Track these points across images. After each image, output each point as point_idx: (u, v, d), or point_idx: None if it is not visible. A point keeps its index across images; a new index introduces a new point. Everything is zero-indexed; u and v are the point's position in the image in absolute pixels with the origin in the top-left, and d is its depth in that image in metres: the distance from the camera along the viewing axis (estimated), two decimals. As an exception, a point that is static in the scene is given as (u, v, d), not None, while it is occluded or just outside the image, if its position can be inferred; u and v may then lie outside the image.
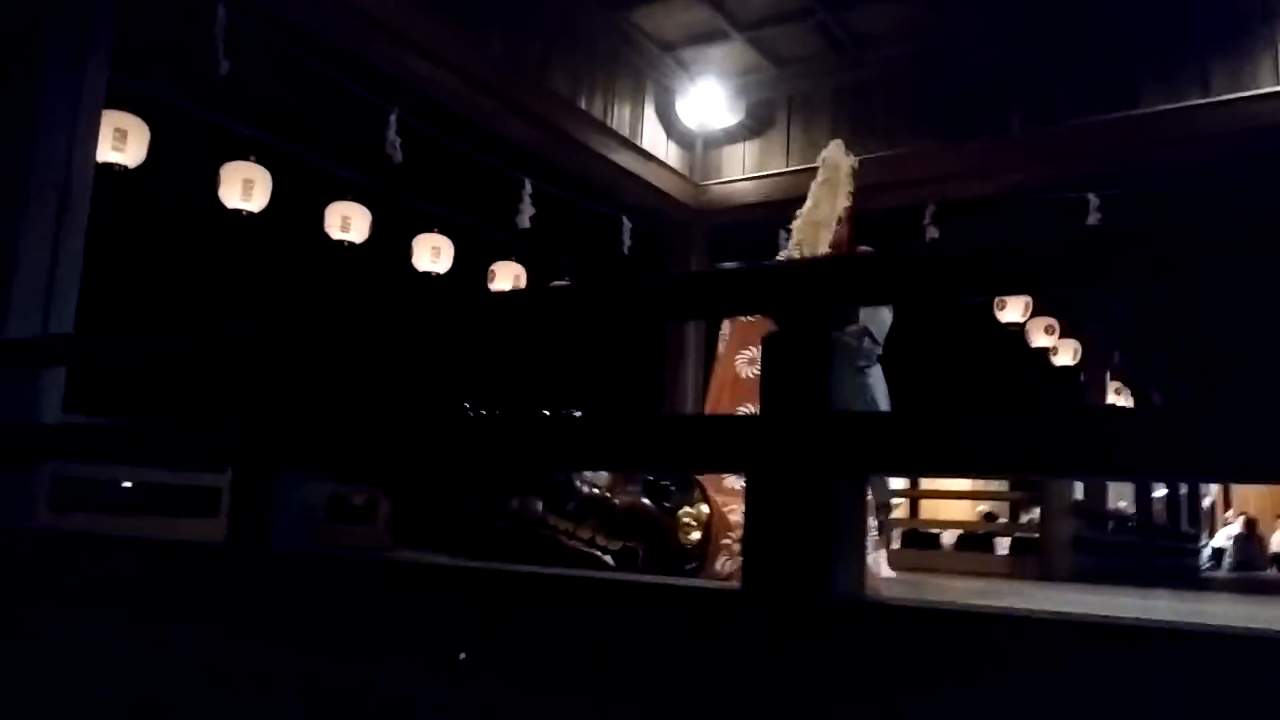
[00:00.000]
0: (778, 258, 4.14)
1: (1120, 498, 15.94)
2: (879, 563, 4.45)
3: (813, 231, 4.25)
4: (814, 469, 1.36)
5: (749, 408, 3.55)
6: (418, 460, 1.91)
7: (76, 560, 2.39)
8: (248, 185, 5.98)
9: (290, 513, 1.83)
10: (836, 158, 4.45)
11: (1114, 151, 6.38)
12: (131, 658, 2.12)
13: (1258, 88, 5.86)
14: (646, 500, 2.48)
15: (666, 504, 2.50)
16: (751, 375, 3.67)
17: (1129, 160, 6.46)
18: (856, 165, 4.50)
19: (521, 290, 7.50)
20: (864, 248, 4.44)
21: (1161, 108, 6.10)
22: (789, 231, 4.44)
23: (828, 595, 1.31)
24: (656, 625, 1.41)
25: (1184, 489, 16.16)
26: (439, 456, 1.85)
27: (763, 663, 1.30)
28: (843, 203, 4.32)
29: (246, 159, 5.99)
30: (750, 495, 1.46)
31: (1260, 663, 1.16)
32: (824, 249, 4.18)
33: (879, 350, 4.26)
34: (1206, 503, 19.90)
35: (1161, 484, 15.19)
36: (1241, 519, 18.01)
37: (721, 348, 3.98)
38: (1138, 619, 1.33)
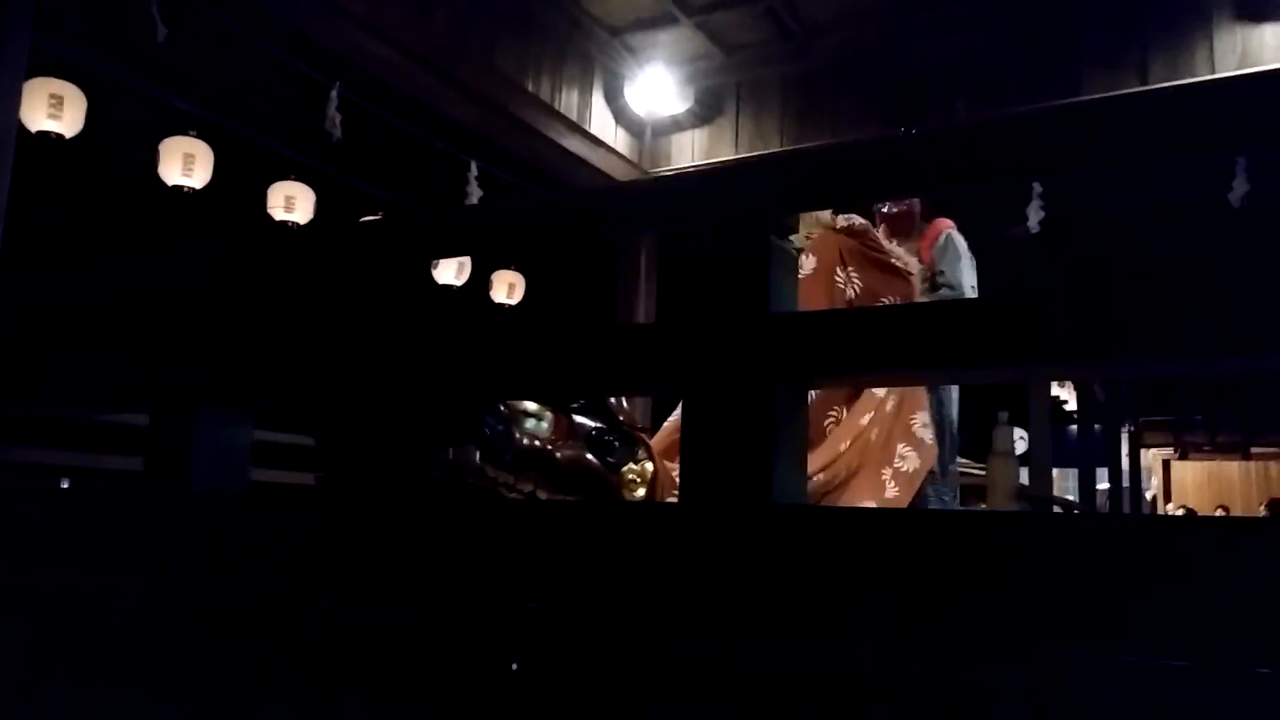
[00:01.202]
0: (837, 220, 3.88)
1: (1064, 491, 16.24)
2: None
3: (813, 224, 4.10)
4: (751, 375, 1.34)
5: None
6: (346, 391, 1.86)
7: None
8: (188, 160, 5.84)
9: (210, 451, 1.76)
10: None
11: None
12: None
13: (1193, 76, 5.99)
14: (590, 455, 2.44)
15: (610, 459, 2.47)
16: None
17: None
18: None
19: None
20: (941, 221, 4.31)
21: (1101, 95, 6.21)
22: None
23: (767, 503, 1.29)
24: (602, 544, 1.38)
25: (1127, 481, 16.49)
26: (363, 383, 1.79)
27: (704, 572, 1.28)
28: None
29: (187, 134, 5.85)
30: (685, 405, 1.43)
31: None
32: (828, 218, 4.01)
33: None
34: (1149, 495, 20.37)
35: (1104, 477, 15.50)
36: (1182, 510, 18.50)
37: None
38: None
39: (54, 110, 4.94)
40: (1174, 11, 6.09)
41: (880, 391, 3.38)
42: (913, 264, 3.79)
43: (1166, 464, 19.93)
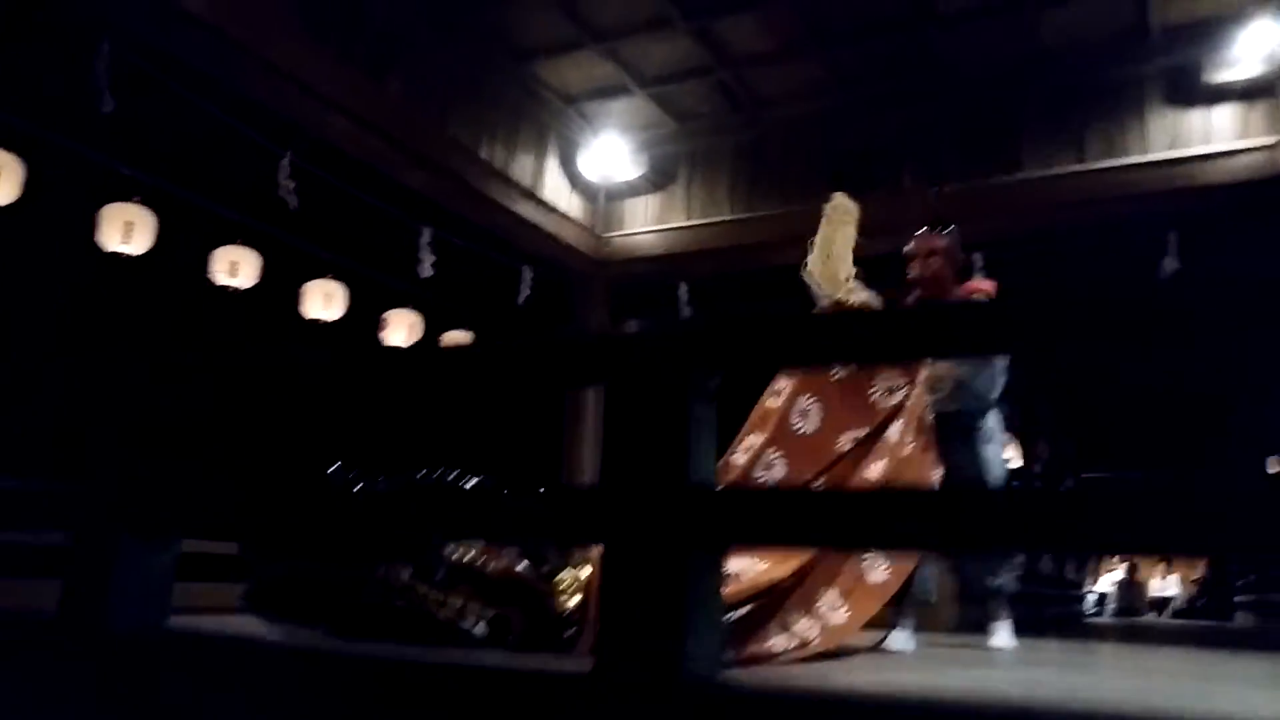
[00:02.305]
0: (837, 296, 3.91)
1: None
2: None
3: (838, 266, 4.09)
4: (667, 542, 1.33)
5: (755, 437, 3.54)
6: (276, 527, 1.81)
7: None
8: (128, 228, 5.74)
9: (132, 583, 1.69)
10: (842, 203, 4.29)
11: (997, 213, 6.64)
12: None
13: (1127, 156, 6.20)
14: (522, 564, 2.40)
15: (544, 567, 2.43)
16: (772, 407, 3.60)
17: (1012, 223, 6.73)
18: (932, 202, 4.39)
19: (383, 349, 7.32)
20: (975, 284, 4.37)
21: (1040, 174, 6.40)
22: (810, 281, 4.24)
23: (680, 678, 1.26)
24: (506, 712, 1.34)
25: (1070, 537, 16.69)
26: (297, 525, 1.75)
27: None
28: (852, 234, 4.19)
29: (130, 200, 5.76)
30: (605, 569, 1.41)
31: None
32: (846, 278, 4.02)
33: (983, 404, 4.01)
34: (1091, 550, 20.62)
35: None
36: (1124, 565, 18.74)
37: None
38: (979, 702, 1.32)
39: (-12, 181, 4.86)
40: (1109, 93, 6.32)
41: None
42: None
43: (1109, 518, 20.25)
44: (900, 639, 3.81)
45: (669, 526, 1.30)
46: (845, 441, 3.48)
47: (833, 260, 4.10)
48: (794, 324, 1.56)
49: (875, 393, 3.58)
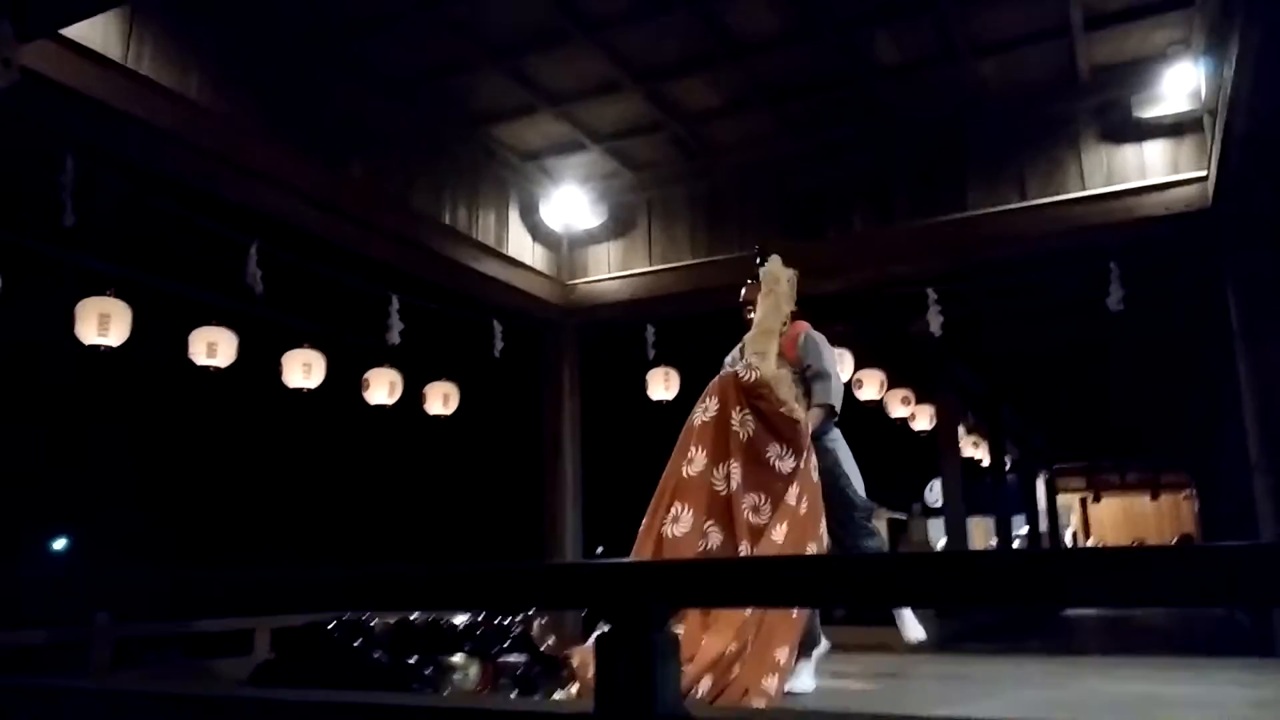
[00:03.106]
0: (738, 369, 4.36)
1: (990, 536, 16.76)
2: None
3: (765, 340, 4.56)
4: None
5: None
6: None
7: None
8: (104, 320, 5.87)
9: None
10: (776, 270, 4.77)
11: (947, 250, 6.89)
12: None
13: (1067, 192, 6.46)
14: (514, 695, 2.61)
15: (537, 696, 2.64)
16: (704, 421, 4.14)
17: (961, 258, 6.99)
18: (795, 276, 4.84)
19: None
20: (798, 324, 4.82)
21: (985, 210, 6.64)
22: (741, 347, 4.76)
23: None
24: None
25: (1045, 524, 17.06)
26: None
27: None
28: (787, 310, 4.66)
29: (104, 294, 5.89)
30: None
31: None
32: (775, 353, 4.48)
33: (837, 417, 4.64)
34: (1068, 533, 21.09)
35: (1024, 523, 16.05)
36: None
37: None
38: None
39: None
40: (1046, 133, 6.57)
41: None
42: (798, 410, 4.20)
43: (1084, 501, 20.71)
44: (803, 681, 4.17)
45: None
46: (748, 506, 3.93)
47: (770, 334, 4.46)
48: (740, 566, 1.76)
49: (771, 457, 4.03)
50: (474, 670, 2.55)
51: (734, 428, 4.13)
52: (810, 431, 4.23)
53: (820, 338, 4.89)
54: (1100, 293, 6.60)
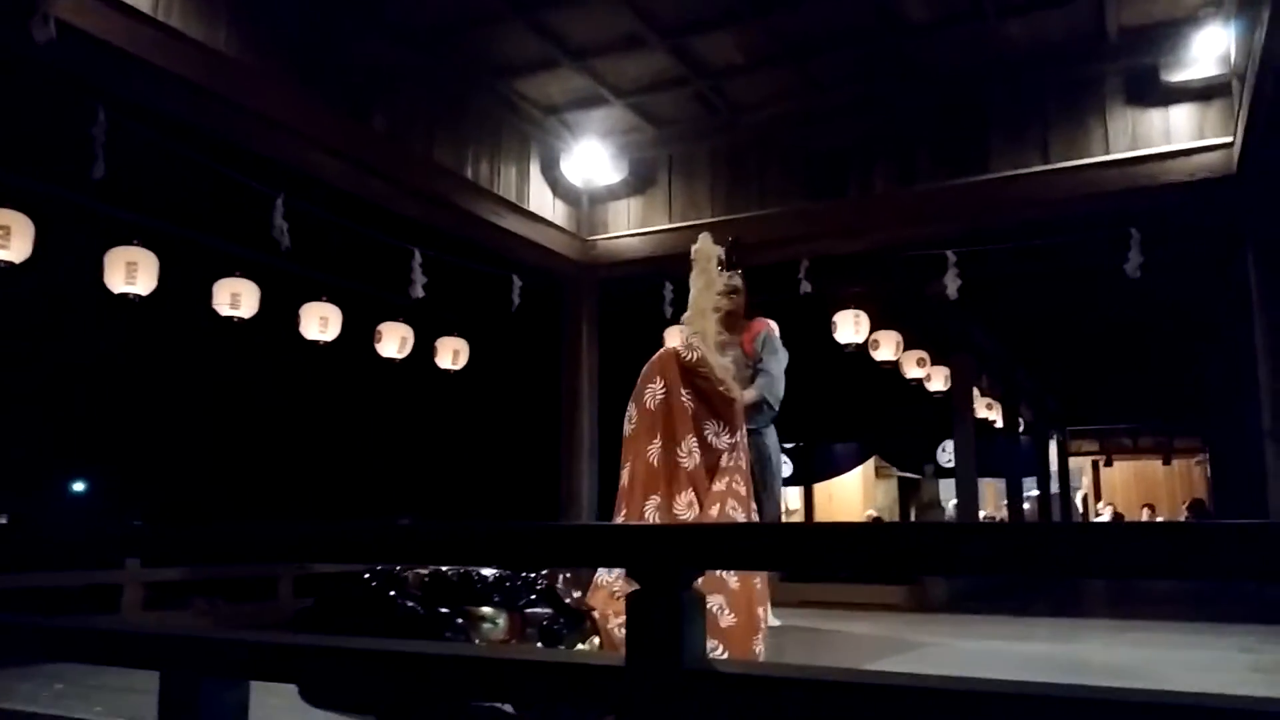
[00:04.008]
0: (678, 347, 4.41)
1: (1000, 498, 16.82)
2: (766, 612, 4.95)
3: (700, 320, 4.59)
4: (669, 717, 1.62)
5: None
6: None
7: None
8: (131, 269, 5.95)
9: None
10: (705, 248, 4.76)
11: (968, 212, 6.89)
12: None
13: (1091, 156, 6.42)
14: (540, 646, 2.70)
15: (561, 646, 2.74)
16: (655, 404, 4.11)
17: (981, 220, 6.98)
18: (724, 252, 4.85)
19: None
20: (761, 320, 4.94)
21: (1008, 173, 6.62)
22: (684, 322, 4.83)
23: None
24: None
25: (1055, 487, 17.10)
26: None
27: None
28: (719, 288, 4.67)
29: (131, 243, 5.97)
30: None
31: None
32: (714, 332, 4.52)
33: (774, 413, 4.73)
34: (1079, 495, 21.15)
35: (1034, 485, 16.10)
36: (1110, 510, 19.24)
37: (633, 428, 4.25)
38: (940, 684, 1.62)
39: (1, 241, 5.07)
40: (1071, 95, 6.52)
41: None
42: (735, 389, 4.28)
43: (1096, 465, 20.76)
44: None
45: (670, 707, 1.61)
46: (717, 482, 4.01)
47: (704, 312, 4.47)
48: (762, 531, 1.83)
49: (708, 433, 4.09)
50: (503, 621, 2.64)
51: (685, 402, 4.22)
52: (741, 420, 4.32)
53: (777, 337, 4.97)
54: (1119, 258, 6.61)
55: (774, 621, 4.56)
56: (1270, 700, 1.36)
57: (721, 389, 4.20)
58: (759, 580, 3.86)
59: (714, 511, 3.96)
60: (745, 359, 4.73)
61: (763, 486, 4.60)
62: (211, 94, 5.07)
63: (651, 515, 4.00)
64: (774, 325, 4.96)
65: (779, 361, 4.78)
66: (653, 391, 4.24)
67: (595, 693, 1.76)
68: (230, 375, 8.60)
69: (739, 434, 4.15)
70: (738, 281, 4.79)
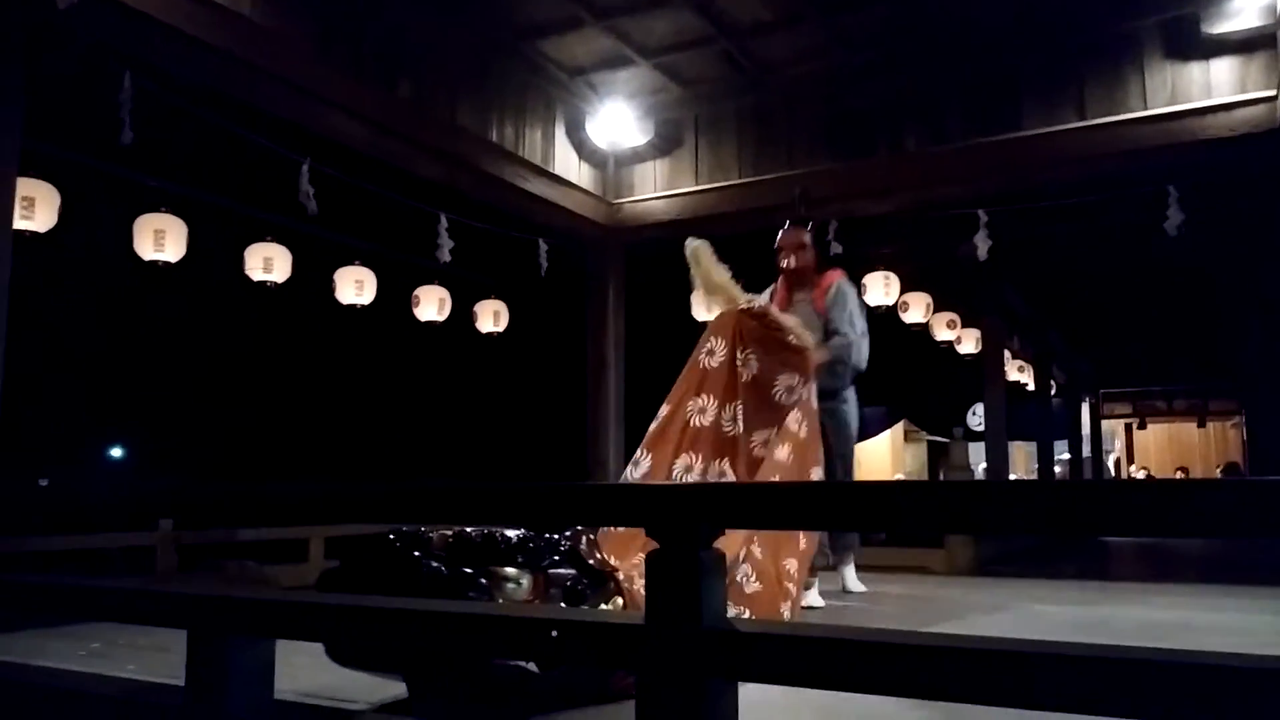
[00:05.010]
0: (740, 303, 4.36)
1: (1031, 461, 16.68)
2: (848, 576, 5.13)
3: (723, 295, 4.52)
4: (689, 675, 1.63)
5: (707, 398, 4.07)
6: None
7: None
8: (159, 236, 6.00)
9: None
10: (691, 253, 4.65)
11: (1000, 171, 6.76)
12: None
13: (1128, 112, 6.27)
14: (563, 606, 2.72)
15: (584, 606, 2.75)
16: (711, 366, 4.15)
17: (1014, 179, 6.86)
18: (795, 200, 4.88)
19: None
20: (833, 273, 4.94)
21: (1041, 130, 6.48)
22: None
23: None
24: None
25: (1087, 450, 16.91)
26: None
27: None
28: (719, 276, 4.55)
29: (158, 210, 6.01)
30: (639, 695, 1.71)
31: None
32: (743, 301, 4.44)
33: (856, 373, 4.79)
34: (1112, 459, 20.94)
35: (1065, 449, 15.94)
36: (1143, 473, 19.05)
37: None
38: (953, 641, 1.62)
39: (26, 211, 5.11)
40: (1108, 49, 6.36)
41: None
42: (807, 338, 4.21)
43: (1129, 428, 20.51)
44: (812, 596, 4.55)
45: (689, 662, 1.61)
46: (758, 442, 3.98)
47: (720, 290, 4.41)
48: (780, 491, 1.82)
49: (778, 392, 4.06)
50: (526, 581, 2.65)
51: (739, 367, 4.15)
52: (813, 368, 4.24)
53: (851, 291, 4.92)
54: (1158, 217, 6.47)
55: (818, 602, 4.54)
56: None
57: (790, 338, 4.15)
58: (793, 560, 3.81)
59: (781, 454, 3.90)
60: (816, 315, 4.66)
61: (834, 453, 4.57)
62: (237, 59, 5.06)
63: (680, 477, 3.98)
64: (845, 279, 4.91)
65: (852, 315, 4.73)
66: (710, 351, 4.21)
67: (615, 651, 1.77)
68: (266, 341, 8.70)
69: (808, 384, 4.10)
70: (808, 237, 4.87)
